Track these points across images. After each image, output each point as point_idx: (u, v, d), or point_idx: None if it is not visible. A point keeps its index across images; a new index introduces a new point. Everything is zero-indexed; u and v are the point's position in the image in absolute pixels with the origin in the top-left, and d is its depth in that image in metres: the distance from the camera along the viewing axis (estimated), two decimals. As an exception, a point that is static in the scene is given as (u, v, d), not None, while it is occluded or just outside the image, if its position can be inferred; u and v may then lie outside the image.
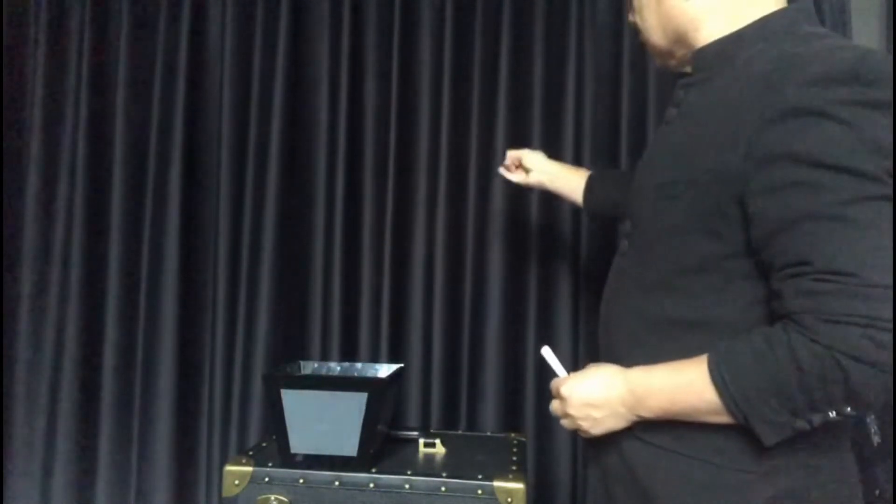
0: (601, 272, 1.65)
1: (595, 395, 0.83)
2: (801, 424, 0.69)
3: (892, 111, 0.67)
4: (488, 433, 1.53)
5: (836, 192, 0.66)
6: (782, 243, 0.70)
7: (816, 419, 0.69)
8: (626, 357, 0.85)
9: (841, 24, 1.58)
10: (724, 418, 0.73)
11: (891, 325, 0.63)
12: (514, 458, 1.27)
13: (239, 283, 1.73)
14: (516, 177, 1.35)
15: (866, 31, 1.66)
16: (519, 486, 1.13)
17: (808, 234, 0.67)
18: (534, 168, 1.31)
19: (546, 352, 0.97)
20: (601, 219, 1.43)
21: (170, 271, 1.73)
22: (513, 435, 1.46)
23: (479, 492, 1.13)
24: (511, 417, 1.66)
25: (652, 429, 0.81)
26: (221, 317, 1.73)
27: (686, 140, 0.82)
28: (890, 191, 0.67)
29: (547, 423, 1.65)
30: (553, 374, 0.94)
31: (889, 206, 0.67)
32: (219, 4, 1.79)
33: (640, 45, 1.60)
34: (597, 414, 0.83)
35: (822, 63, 0.69)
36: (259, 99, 1.75)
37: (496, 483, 1.13)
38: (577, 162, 1.68)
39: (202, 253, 1.78)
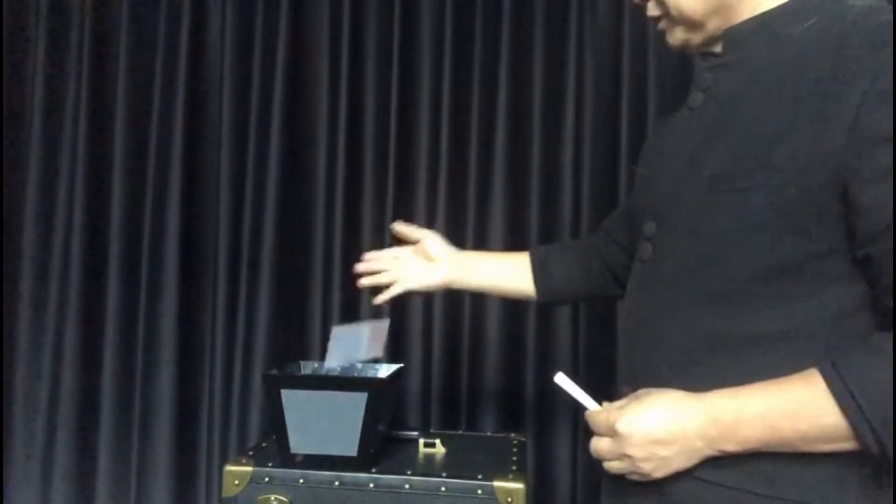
0: (601, 272, 1.65)
1: (665, 431, 0.66)
2: None
3: None
4: (488, 433, 1.53)
5: None
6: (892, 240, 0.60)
7: None
8: (675, 382, 0.71)
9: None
10: (845, 445, 0.62)
11: None
12: (514, 458, 1.27)
13: (239, 283, 1.73)
14: (396, 288, 1.07)
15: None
16: (519, 486, 1.13)
17: None
18: (439, 256, 1.07)
19: (561, 379, 0.78)
20: (558, 304, 1.25)
21: (170, 271, 1.73)
22: (513, 435, 1.46)
23: (479, 492, 1.13)
24: (511, 417, 1.66)
25: (718, 466, 0.67)
26: (221, 317, 1.73)
27: (742, 125, 0.70)
28: None
29: (547, 423, 1.65)
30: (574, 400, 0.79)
31: None
32: (219, 4, 1.79)
33: (643, 41, 1.61)
34: (665, 452, 0.67)
35: None
36: (259, 99, 1.75)
37: (496, 483, 1.13)
38: (576, 162, 1.68)
39: (202, 253, 1.78)
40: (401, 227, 1.12)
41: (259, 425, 1.71)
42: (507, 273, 1.09)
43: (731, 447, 0.66)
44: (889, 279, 0.62)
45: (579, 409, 0.81)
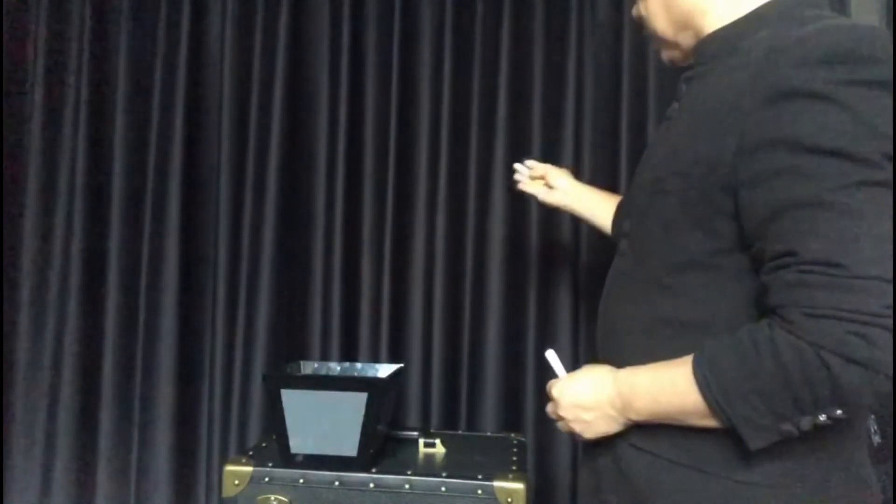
0: (601, 272, 1.65)
1: (584, 397, 0.80)
2: (787, 428, 0.64)
3: (892, 91, 0.62)
4: (488, 433, 1.53)
5: (828, 177, 0.61)
6: (771, 234, 0.65)
7: (805, 423, 0.64)
8: (625, 362, 0.80)
9: (839, 12, 1.58)
10: (711, 422, 0.69)
11: (887, 321, 0.58)
12: (514, 458, 1.27)
13: (239, 283, 1.73)
14: (535, 188, 1.25)
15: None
16: (519, 486, 1.13)
17: (795, 223, 0.63)
18: (559, 188, 1.23)
19: (550, 355, 0.94)
20: None
21: (170, 271, 1.73)
22: (513, 435, 1.46)
23: (479, 492, 1.13)
24: (511, 417, 1.66)
25: (646, 435, 0.77)
26: (221, 317, 1.73)
27: (682, 133, 0.78)
28: (890, 176, 0.61)
29: (547, 423, 1.65)
30: (554, 377, 0.92)
31: (889, 193, 0.61)
32: (219, 4, 1.79)
33: (643, 41, 1.61)
34: (587, 416, 0.80)
35: (818, 43, 0.65)
36: (259, 99, 1.75)
37: (496, 483, 1.13)
38: (577, 162, 1.68)
39: (202, 253, 1.78)
40: (532, 165, 1.27)
41: (259, 425, 1.71)
42: (599, 212, 1.21)
43: (633, 416, 0.77)
44: (761, 275, 0.67)
45: None
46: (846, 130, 0.62)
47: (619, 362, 0.82)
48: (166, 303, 1.73)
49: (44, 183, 1.78)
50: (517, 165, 1.29)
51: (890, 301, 0.58)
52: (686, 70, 0.86)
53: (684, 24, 0.84)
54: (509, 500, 1.12)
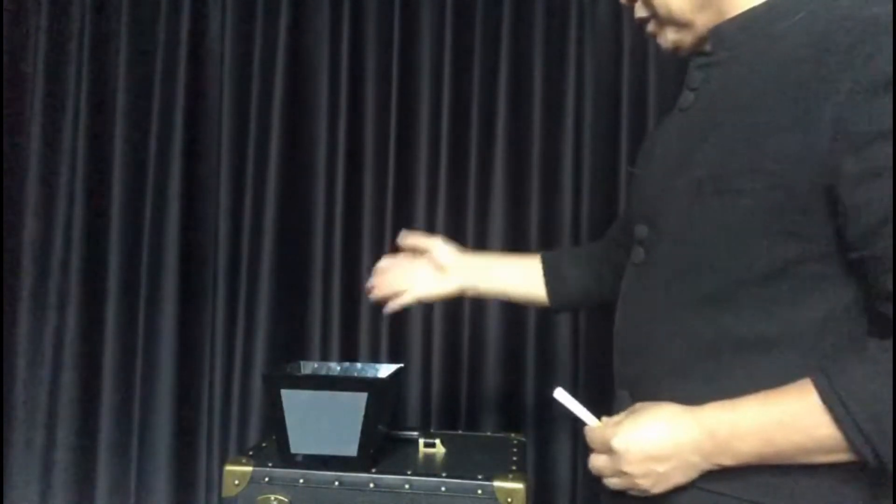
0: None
1: (660, 447, 0.66)
2: None
3: (893, 88, 0.59)
4: (488, 433, 1.53)
5: None
6: (887, 240, 0.59)
7: None
8: (672, 389, 0.71)
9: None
10: (841, 456, 0.61)
11: None
12: (514, 458, 1.27)
13: (239, 283, 1.73)
14: (413, 291, 1.03)
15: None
16: (519, 486, 1.13)
17: None
18: (449, 264, 1.03)
19: (560, 394, 0.77)
20: (568, 311, 1.19)
21: (170, 271, 1.73)
22: (513, 435, 1.45)
23: (479, 492, 1.13)
24: (511, 417, 1.66)
25: (725, 478, 0.67)
26: (221, 317, 1.73)
27: (729, 126, 0.69)
28: None
29: (547, 423, 1.65)
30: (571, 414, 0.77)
31: None
32: (219, 4, 1.79)
33: (643, 41, 1.61)
34: (662, 468, 0.66)
35: None
36: (259, 99, 1.75)
37: (496, 483, 1.13)
38: (577, 161, 1.67)
39: (202, 252, 1.78)
40: (408, 240, 1.08)
41: (259, 425, 1.71)
42: (520, 279, 1.06)
43: (727, 461, 0.65)
44: (882, 283, 0.61)
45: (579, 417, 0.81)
46: None
47: (666, 392, 0.71)
48: (166, 303, 1.73)
49: (44, 183, 1.78)
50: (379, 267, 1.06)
51: None
52: (696, 57, 0.78)
53: (706, 1, 0.74)
54: (509, 500, 1.12)
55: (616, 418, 0.72)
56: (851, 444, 0.60)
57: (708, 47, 0.76)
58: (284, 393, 1.17)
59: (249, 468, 1.17)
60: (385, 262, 1.09)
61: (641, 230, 0.79)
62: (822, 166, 0.61)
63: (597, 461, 0.72)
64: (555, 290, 1.05)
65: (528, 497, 1.13)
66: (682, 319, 0.71)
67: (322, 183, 1.75)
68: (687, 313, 0.71)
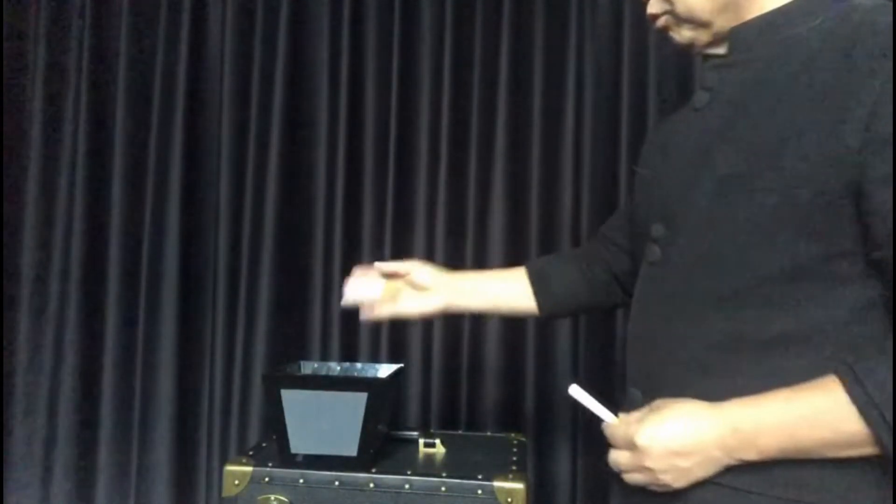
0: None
1: (684, 442, 0.66)
2: None
3: (893, 81, 0.61)
4: (488, 433, 1.53)
5: None
6: None
7: None
8: (692, 387, 0.71)
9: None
10: (866, 450, 0.62)
11: None
12: (514, 458, 1.27)
13: (239, 283, 1.73)
14: (398, 306, 1.03)
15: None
16: (519, 486, 1.13)
17: None
18: (429, 284, 1.03)
19: (575, 390, 0.78)
20: (560, 318, 1.21)
21: (170, 271, 1.74)
22: (513, 435, 1.45)
23: (479, 492, 1.13)
24: (511, 417, 1.66)
25: (749, 473, 0.67)
26: (221, 317, 1.73)
27: (750, 126, 0.70)
28: None
29: (547, 423, 1.65)
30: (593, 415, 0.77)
31: None
32: (219, 4, 1.79)
33: (643, 40, 1.60)
34: (685, 464, 0.67)
35: None
36: (259, 99, 1.75)
37: (496, 483, 1.13)
38: (576, 161, 1.67)
39: (202, 253, 1.78)
40: (384, 267, 1.06)
41: (259, 425, 1.71)
42: (506, 292, 1.06)
43: (750, 456, 0.66)
44: None
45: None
46: None
47: (686, 390, 0.71)
48: (166, 303, 1.73)
49: (44, 183, 1.78)
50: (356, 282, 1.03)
51: None
52: (712, 57, 0.79)
53: (727, 5, 0.74)
54: (509, 500, 1.12)
55: (636, 415, 0.72)
56: (879, 439, 0.60)
57: (723, 49, 0.77)
58: (284, 393, 1.17)
59: (249, 468, 1.17)
60: (360, 273, 1.07)
61: (658, 229, 0.79)
62: (850, 166, 0.62)
63: (619, 457, 0.72)
64: (542, 299, 1.04)
65: (528, 497, 1.13)
66: (702, 316, 0.72)
67: (322, 183, 1.75)
68: (707, 310, 0.71)
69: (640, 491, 0.72)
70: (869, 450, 0.62)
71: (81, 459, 1.73)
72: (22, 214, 1.78)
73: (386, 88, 1.73)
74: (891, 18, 0.64)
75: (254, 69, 1.75)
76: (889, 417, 0.59)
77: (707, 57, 0.79)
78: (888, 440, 0.60)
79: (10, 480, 1.74)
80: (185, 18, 1.76)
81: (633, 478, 0.71)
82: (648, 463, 0.68)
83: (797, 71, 0.68)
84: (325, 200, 1.74)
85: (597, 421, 0.77)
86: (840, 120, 0.62)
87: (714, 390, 0.69)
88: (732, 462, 0.67)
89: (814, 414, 0.63)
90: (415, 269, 1.05)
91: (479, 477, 1.14)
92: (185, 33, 1.76)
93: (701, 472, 0.68)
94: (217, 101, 1.78)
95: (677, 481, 0.68)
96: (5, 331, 1.77)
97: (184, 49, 1.75)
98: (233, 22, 1.76)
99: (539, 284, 1.05)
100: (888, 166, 0.60)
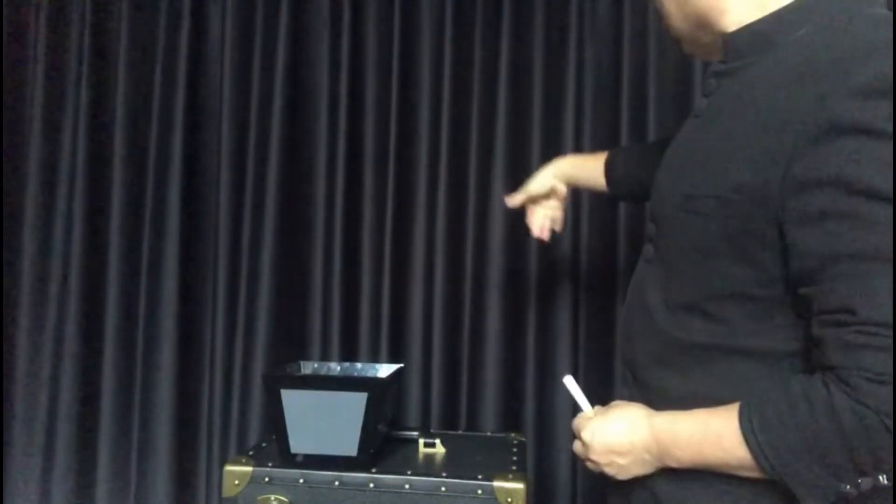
0: (601, 271, 1.66)
1: (618, 442, 0.75)
2: (847, 489, 0.62)
3: (893, 97, 0.59)
4: (488, 433, 1.53)
5: (889, 228, 0.56)
6: (823, 283, 0.61)
7: (865, 484, 0.62)
8: (649, 376, 0.80)
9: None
10: (758, 475, 0.66)
11: None
12: (514, 458, 1.27)
13: (239, 283, 1.73)
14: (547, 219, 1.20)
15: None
16: (519, 486, 1.13)
17: (852, 277, 0.58)
18: (561, 188, 1.19)
19: (569, 381, 0.88)
20: (629, 200, 1.30)
21: (170, 271, 1.74)
22: (513, 435, 1.46)
23: (479, 492, 1.13)
24: (511, 417, 1.66)
25: (680, 479, 0.74)
26: (221, 317, 1.73)
27: (716, 144, 0.72)
28: None
29: (547, 423, 1.65)
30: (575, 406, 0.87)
31: None
32: (219, 4, 1.79)
33: (643, 41, 1.61)
34: (621, 461, 0.76)
35: (877, 65, 0.58)
36: (259, 99, 1.75)
37: (496, 483, 1.13)
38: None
39: (202, 253, 1.78)
40: (516, 199, 1.21)
41: (259, 425, 1.71)
42: (593, 175, 1.17)
43: (671, 463, 0.73)
44: (814, 328, 0.63)
45: (579, 409, 0.86)
46: None
47: (644, 377, 0.81)
48: (166, 302, 1.73)
49: (44, 183, 1.78)
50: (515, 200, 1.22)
51: None
52: (715, 63, 0.79)
53: (700, 22, 0.78)
54: (509, 500, 1.12)
55: (598, 410, 0.83)
56: (759, 467, 0.65)
57: (719, 58, 0.78)
58: (284, 393, 1.17)
59: (249, 468, 1.17)
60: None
61: (651, 228, 0.84)
62: (773, 202, 0.63)
63: (575, 445, 0.83)
64: (612, 181, 1.15)
65: (528, 497, 1.14)
66: (662, 319, 0.78)
67: (322, 183, 1.75)
68: (667, 315, 0.78)
69: (624, 484, 0.80)
70: (757, 473, 0.66)
71: (81, 459, 1.73)
72: (22, 214, 1.78)
73: (386, 87, 1.73)
74: (870, 37, 0.62)
75: (254, 69, 1.75)
76: (768, 450, 0.63)
77: (714, 62, 0.80)
78: (765, 466, 0.64)
79: (11, 480, 1.74)
80: (185, 19, 1.75)
81: (587, 465, 0.81)
82: (592, 456, 0.78)
83: (764, 89, 0.68)
84: (326, 199, 1.74)
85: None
86: (773, 151, 0.63)
87: (671, 382, 0.77)
88: (661, 465, 0.74)
89: (715, 436, 0.68)
90: (555, 189, 1.18)
91: (479, 477, 1.14)
92: (185, 33, 1.75)
93: (639, 469, 0.76)
94: (217, 101, 1.78)
95: (619, 474, 0.77)
96: (5, 331, 1.77)
97: (184, 49, 1.75)
98: (233, 22, 1.76)
99: (611, 167, 1.15)
100: (801, 207, 0.61)
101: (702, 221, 0.71)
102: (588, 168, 1.18)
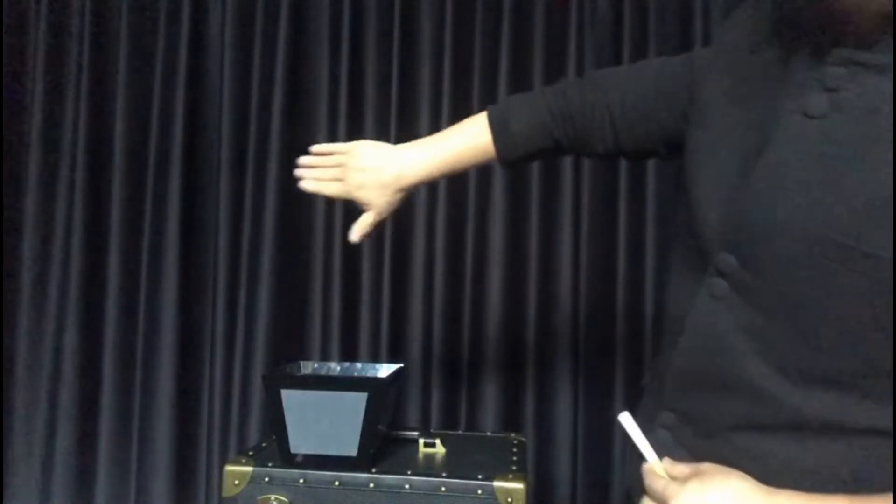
0: (601, 271, 1.66)
1: None
2: None
3: (893, 81, 0.50)
4: (488, 433, 1.53)
5: None
6: None
7: None
8: (740, 438, 0.65)
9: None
10: None
11: None
12: (514, 458, 1.27)
13: (239, 283, 1.73)
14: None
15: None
16: (519, 486, 1.13)
17: None
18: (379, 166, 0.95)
19: (625, 418, 0.70)
20: (527, 163, 1.05)
21: (170, 271, 1.74)
22: (513, 435, 1.45)
23: (479, 492, 1.13)
24: (511, 417, 1.66)
25: None
26: (221, 317, 1.73)
27: (878, 165, 0.53)
28: None
29: (547, 423, 1.65)
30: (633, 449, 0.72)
31: None
32: (219, 4, 1.79)
33: (643, 39, 1.60)
34: None
35: None
36: (259, 99, 1.75)
37: (496, 483, 1.13)
38: (576, 160, 1.67)
39: (202, 253, 1.78)
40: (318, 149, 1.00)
41: (259, 425, 1.71)
42: (463, 147, 0.95)
43: None
44: None
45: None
46: None
47: (721, 435, 0.66)
48: (166, 303, 1.73)
49: (44, 183, 1.78)
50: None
51: None
52: (841, 47, 0.57)
53: None
54: (509, 500, 1.12)
55: (680, 470, 0.65)
56: None
57: (872, 37, 0.55)
58: (284, 393, 1.17)
59: (249, 468, 1.17)
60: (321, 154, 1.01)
61: (728, 261, 0.64)
62: None
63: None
64: (504, 145, 0.94)
65: (528, 497, 1.13)
66: (779, 385, 0.62)
67: (322, 183, 1.75)
68: (786, 381, 0.61)
69: None
70: None
71: (81, 460, 1.73)
72: (22, 215, 1.78)
73: (386, 87, 1.73)
74: None
75: (254, 69, 1.75)
76: None
77: (829, 47, 0.57)
78: None
79: (11, 480, 1.74)
80: (185, 18, 1.75)
81: None
82: None
83: None
84: (326, 200, 1.74)
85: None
86: None
87: (779, 452, 0.63)
88: None
89: None
90: (355, 148, 0.95)
91: (479, 477, 1.14)
92: (185, 33, 1.76)
93: None
94: (217, 100, 1.78)
95: None
96: (5, 330, 1.77)
97: (184, 49, 1.75)
98: (233, 22, 1.76)
99: (500, 129, 0.94)
100: None
101: (867, 284, 0.53)
102: (430, 153, 0.94)
